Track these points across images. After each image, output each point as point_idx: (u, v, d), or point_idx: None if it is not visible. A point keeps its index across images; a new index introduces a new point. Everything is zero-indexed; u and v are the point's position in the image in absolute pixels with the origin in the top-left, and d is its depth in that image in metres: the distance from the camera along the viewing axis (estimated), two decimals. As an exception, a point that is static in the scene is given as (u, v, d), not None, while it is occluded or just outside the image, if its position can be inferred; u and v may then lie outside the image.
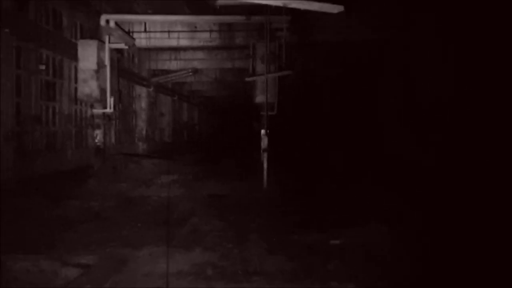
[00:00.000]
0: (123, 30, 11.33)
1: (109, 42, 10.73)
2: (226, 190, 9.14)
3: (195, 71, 17.30)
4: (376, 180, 9.96)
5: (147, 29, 12.86)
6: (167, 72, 17.63)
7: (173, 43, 13.23)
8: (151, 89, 17.17)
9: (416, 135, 12.79)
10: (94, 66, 10.53)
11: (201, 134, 28.82)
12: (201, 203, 7.72)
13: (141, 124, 17.03)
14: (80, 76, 10.56)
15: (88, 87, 10.49)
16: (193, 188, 9.47)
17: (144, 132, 17.15)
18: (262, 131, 9.99)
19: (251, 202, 7.86)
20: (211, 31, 12.99)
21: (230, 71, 19.10)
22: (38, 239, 5.40)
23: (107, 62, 10.77)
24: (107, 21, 10.29)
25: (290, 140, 22.37)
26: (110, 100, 10.94)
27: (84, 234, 5.72)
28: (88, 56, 10.56)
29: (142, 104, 17.10)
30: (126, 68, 14.59)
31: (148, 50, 15.55)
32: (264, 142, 9.52)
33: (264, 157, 9.47)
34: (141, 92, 16.94)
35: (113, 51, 11.37)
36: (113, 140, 14.38)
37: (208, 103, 29.92)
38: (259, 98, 10.23)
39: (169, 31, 13.02)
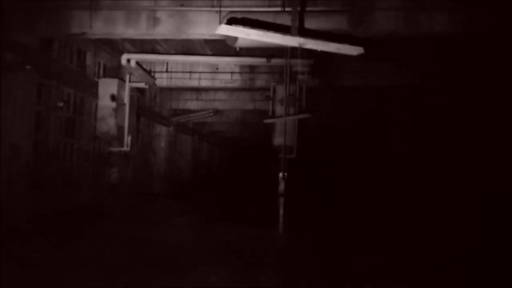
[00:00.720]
0: (144, 69, 11.35)
1: (129, 81, 10.74)
2: (239, 236, 8.72)
3: (216, 111, 17.22)
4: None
5: (169, 69, 12.87)
6: (188, 111, 17.59)
7: (194, 83, 13.18)
8: (171, 128, 17.09)
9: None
10: (113, 104, 10.54)
11: (220, 174, 28.51)
12: (210, 250, 7.32)
13: (160, 162, 16.85)
14: (99, 113, 10.52)
15: (106, 124, 10.41)
16: (205, 232, 9.09)
17: (162, 171, 16.96)
18: (280, 175, 9.63)
19: (264, 251, 7.42)
20: (232, 72, 12.92)
21: (251, 112, 18.97)
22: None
23: (126, 100, 10.75)
24: (128, 60, 10.30)
25: (308, 184, 21.90)
26: (127, 138, 10.84)
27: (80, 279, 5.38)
28: (107, 94, 10.57)
29: (161, 143, 16.99)
30: (146, 106, 14.56)
31: (169, 89, 15.56)
32: (281, 187, 9.13)
33: (281, 202, 9.06)
34: (161, 131, 16.86)
35: (134, 89, 11.39)
36: (129, 178, 14.18)
37: (228, 143, 29.82)
38: (277, 141, 9.95)
39: (190, 72, 13.01)
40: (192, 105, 16.88)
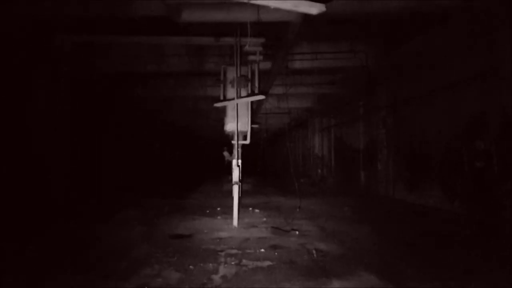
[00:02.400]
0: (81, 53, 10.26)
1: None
2: (191, 230, 7.90)
3: (164, 99, 16.22)
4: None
5: (110, 55, 11.74)
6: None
7: (139, 68, 12.14)
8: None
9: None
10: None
11: (174, 168, 27.36)
12: (159, 247, 6.48)
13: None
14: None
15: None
16: (155, 227, 8.21)
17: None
18: (233, 162, 8.89)
19: (217, 245, 6.64)
20: (179, 55, 11.95)
21: (203, 99, 18.06)
22: None
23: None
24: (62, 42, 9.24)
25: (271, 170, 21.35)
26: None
27: None
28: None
29: (108, 133, 15.81)
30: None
31: (114, 76, 14.37)
32: (235, 175, 8.38)
33: (235, 191, 8.32)
34: (108, 120, 15.69)
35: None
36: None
37: (182, 133, 28.69)
38: (230, 126, 9.15)
39: (135, 56, 11.93)
40: (141, 93, 15.77)
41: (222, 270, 5.31)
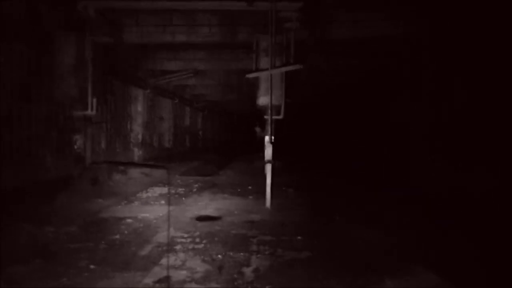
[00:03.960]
0: (108, 20, 9.60)
1: (91, 35, 9.09)
2: (221, 211, 7.23)
3: (196, 72, 15.46)
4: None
5: (139, 22, 11.01)
6: (166, 72, 15.82)
7: (167, 38, 11.36)
8: (148, 91, 15.37)
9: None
10: (72, 60, 8.97)
11: (204, 140, 26.85)
12: (185, 231, 5.83)
13: (137, 128, 15.15)
14: (57, 72, 8.91)
15: (65, 85, 8.89)
16: (182, 206, 7.60)
17: (140, 137, 15.30)
18: (266, 139, 8.12)
19: (248, 230, 5.94)
20: (210, 25, 11.11)
21: (235, 73, 17.23)
22: None
23: (88, 56, 9.14)
24: (86, 8, 8.56)
25: (301, 149, 20.46)
26: (92, 101, 9.25)
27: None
28: (66, 49, 8.99)
29: (138, 107, 15.23)
30: (117, 66, 12.79)
31: (144, 48, 13.69)
32: (268, 152, 7.63)
33: (268, 169, 7.58)
34: (138, 94, 15.09)
35: (99, 45, 9.76)
36: (103, 146, 12.54)
37: (213, 107, 28.03)
38: (262, 100, 8.35)
39: (164, 25, 11.18)
40: (170, 65, 15.01)
41: (254, 261, 4.60)
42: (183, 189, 9.60)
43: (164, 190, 9.30)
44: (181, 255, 4.81)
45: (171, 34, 11.34)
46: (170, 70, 15.50)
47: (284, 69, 7.68)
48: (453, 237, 5.54)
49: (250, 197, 8.60)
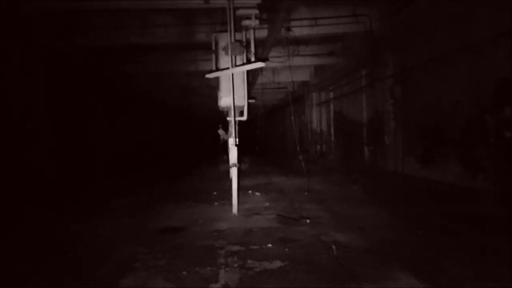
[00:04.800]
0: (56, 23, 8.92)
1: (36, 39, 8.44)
2: (184, 220, 6.74)
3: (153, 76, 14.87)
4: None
5: (91, 23, 10.37)
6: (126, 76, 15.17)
7: (122, 40, 10.76)
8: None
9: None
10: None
11: (167, 148, 26.02)
12: (146, 245, 5.32)
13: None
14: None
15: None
16: (143, 218, 7.06)
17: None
18: (230, 141, 7.71)
19: (215, 240, 5.49)
20: (165, 25, 10.60)
21: (195, 76, 16.73)
22: None
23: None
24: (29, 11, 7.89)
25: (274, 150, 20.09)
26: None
27: None
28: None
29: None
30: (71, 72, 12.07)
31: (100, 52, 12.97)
32: (233, 156, 7.20)
33: (233, 174, 7.15)
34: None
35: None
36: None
37: (176, 113, 27.36)
38: (224, 101, 7.92)
39: (116, 27, 10.58)
40: (130, 69, 14.42)
41: (223, 276, 4.17)
42: (146, 198, 9.04)
43: (125, 200, 8.73)
44: (142, 274, 4.32)
45: (125, 37, 10.80)
46: (128, 73, 14.82)
47: (245, 67, 7.27)
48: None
49: (216, 203, 8.14)
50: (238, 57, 7.71)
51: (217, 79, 8.06)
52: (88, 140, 13.79)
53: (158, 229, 6.24)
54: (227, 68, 7.18)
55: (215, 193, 9.38)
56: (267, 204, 7.96)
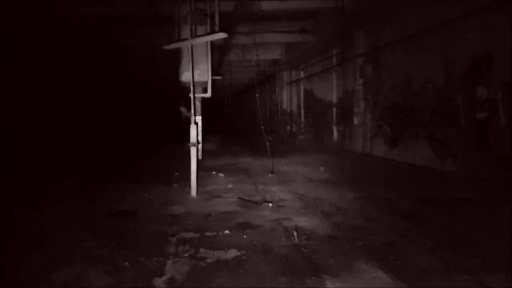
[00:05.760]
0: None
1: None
2: (139, 203, 6.21)
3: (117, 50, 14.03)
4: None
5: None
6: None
7: (80, 9, 9.97)
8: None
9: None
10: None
11: (136, 127, 25.07)
12: (91, 230, 4.78)
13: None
14: None
15: None
16: (98, 200, 6.49)
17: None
18: (192, 118, 7.18)
19: (168, 226, 5.00)
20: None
21: (161, 51, 15.93)
22: None
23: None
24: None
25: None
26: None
27: None
28: None
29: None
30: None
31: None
32: (192, 134, 6.66)
33: (193, 154, 6.63)
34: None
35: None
36: None
37: (146, 90, 26.34)
38: (186, 76, 7.36)
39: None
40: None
41: (170, 268, 3.69)
42: (102, 178, 8.46)
43: (79, 180, 8.11)
44: (79, 264, 3.80)
45: (85, 5, 10.01)
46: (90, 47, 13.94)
47: (207, 38, 6.70)
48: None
49: (175, 185, 7.62)
50: (200, 29, 7.14)
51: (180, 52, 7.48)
52: (48, 117, 12.92)
53: (108, 212, 5.70)
54: (186, 39, 6.58)
55: (176, 173, 8.86)
56: (230, 186, 7.51)
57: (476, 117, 7.07)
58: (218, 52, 14.16)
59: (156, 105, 31.22)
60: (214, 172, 8.92)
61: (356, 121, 11.77)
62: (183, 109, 9.38)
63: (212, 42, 8.01)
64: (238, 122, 32.56)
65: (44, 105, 12.40)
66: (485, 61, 6.85)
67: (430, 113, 8.41)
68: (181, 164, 10.18)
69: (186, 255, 3.99)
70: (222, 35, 6.56)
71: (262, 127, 9.52)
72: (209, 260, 3.84)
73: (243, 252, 4.03)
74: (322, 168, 9.30)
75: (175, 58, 8.22)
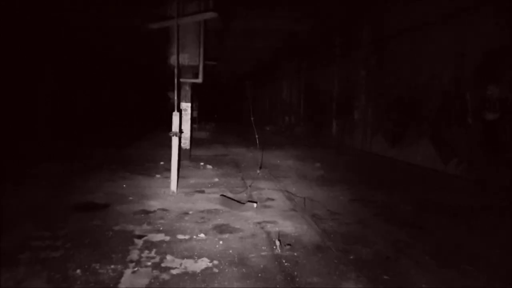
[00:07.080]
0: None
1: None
2: (112, 195, 5.63)
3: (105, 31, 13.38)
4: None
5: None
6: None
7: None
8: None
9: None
10: None
11: (127, 113, 24.36)
12: (49, 226, 4.22)
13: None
14: None
15: None
16: (67, 189, 5.93)
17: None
18: (182, 105, 6.59)
19: (138, 224, 4.43)
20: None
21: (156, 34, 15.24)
22: None
23: None
24: None
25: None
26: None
27: None
28: None
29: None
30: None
31: None
32: (174, 123, 6.06)
33: (174, 144, 6.03)
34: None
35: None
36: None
37: (139, 76, 25.60)
38: (174, 59, 6.75)
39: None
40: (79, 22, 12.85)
41: (127, 279, 3.13)
42: (81, 165, 7.88)
43: (56, 166, 7.55)
44: (22, 270, 3.25)
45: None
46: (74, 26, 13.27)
47: (195, 17, 6.07)
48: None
49: (158, 175, 7.05)
50: (190, 6, 6.52)
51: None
52: (34, 100, 12.34)
53: (76, 205, 5.13)
54: (172, 18, 5.96)
55: (162, 163, 8.29)
56: (217, 179, 6.94)
57: (486, 118, 6.47)
58: (216, 36, 13.52)
59: (150, 91, 30.45)
60: (202, 163, 8.34)
61: (356, 115, 11.17)
62: (171, 95, 8.77)
63: (207, 25, 7.42)
64: (237, 111, 31.95)
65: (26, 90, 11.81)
66: (499, 55, 6.23)
67: (436, 110, 7.81)
68: (168, 152, 9.63)
69: (149, 263, 3.43)
70: (211, 15, 5.92)
71: (252, 118, 8.90)
72: (174, 272, 3.28)
73: (215, 263, 3.47)
74: (318, 164, 8.73)
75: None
